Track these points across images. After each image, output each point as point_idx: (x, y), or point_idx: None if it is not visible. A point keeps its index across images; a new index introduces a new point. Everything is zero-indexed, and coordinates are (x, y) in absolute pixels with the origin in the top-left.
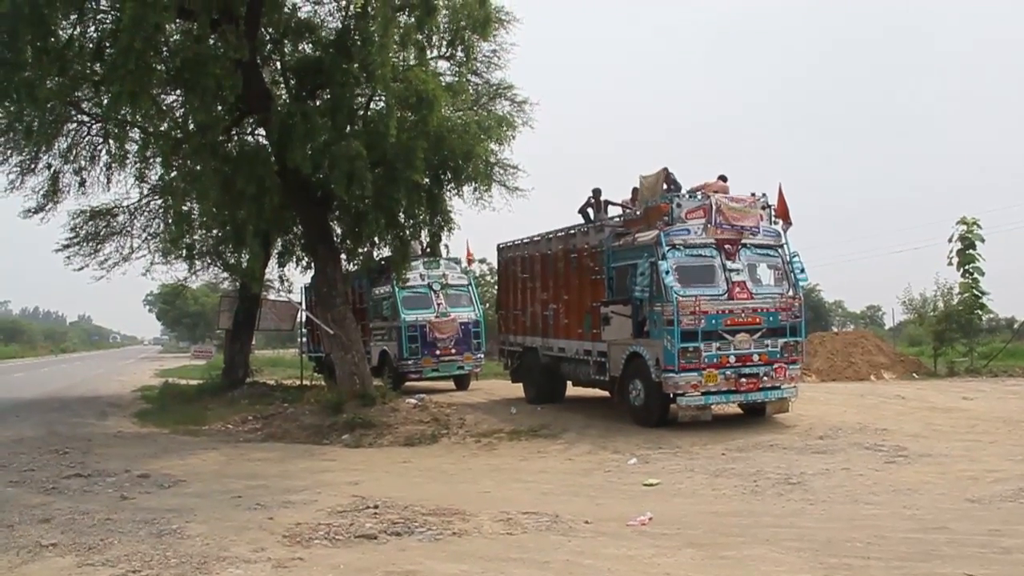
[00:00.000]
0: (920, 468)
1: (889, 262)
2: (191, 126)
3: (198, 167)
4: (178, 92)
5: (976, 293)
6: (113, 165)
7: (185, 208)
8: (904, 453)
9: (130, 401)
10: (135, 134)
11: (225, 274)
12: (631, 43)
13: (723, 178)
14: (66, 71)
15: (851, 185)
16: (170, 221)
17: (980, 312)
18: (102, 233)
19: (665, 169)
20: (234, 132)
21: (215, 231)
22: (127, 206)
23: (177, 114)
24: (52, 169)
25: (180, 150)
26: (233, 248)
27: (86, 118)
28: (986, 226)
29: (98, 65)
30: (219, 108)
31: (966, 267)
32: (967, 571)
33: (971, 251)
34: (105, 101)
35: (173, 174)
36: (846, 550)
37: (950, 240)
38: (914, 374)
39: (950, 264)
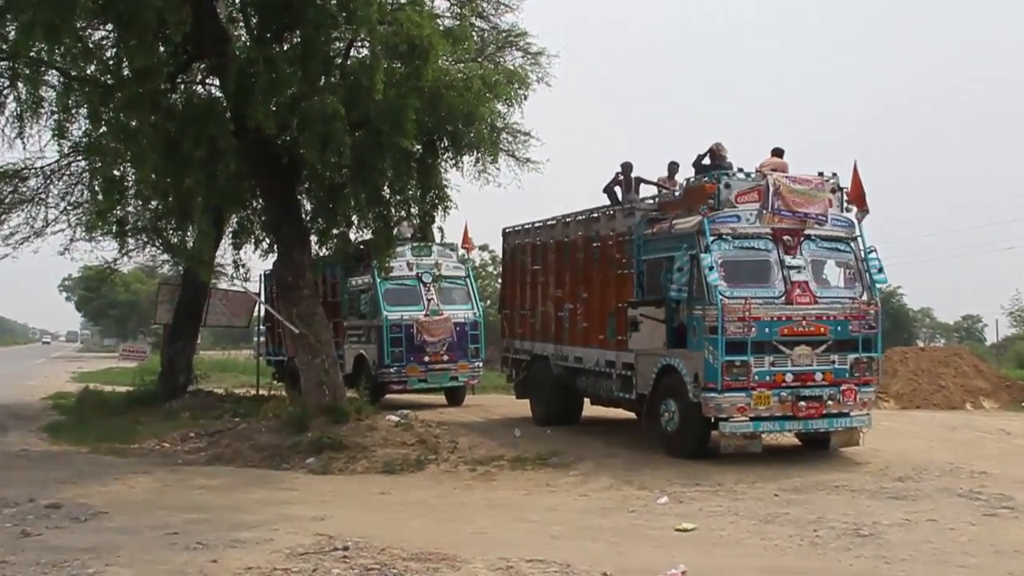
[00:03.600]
0: None
1: (993, 262)
2: (125, 71)
3: (134, 122)
4: (109, 28)
5: None
6: (24, 115)
7: (117, 173)
8: (1009, 504)
9: (39, 411)
10: (53, 77)
11: (165, 256)
12: None
13: (778, 152)
14: None
15: (946, 165)
16: (97, 188)
17: None
18: (8, 200)
19: (718, 144)
20: (180, 80)
21: (154, 202)
22: (41, 168)
23: (108, 55)
24: None
25: (111, 100)
26: (176, 224)
27: None
28: None
29: None
30: (161, 50)
31: None
32: None
33: None
34: (12, 34)
35: (102, 130)
36: None
37: None
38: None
39: None
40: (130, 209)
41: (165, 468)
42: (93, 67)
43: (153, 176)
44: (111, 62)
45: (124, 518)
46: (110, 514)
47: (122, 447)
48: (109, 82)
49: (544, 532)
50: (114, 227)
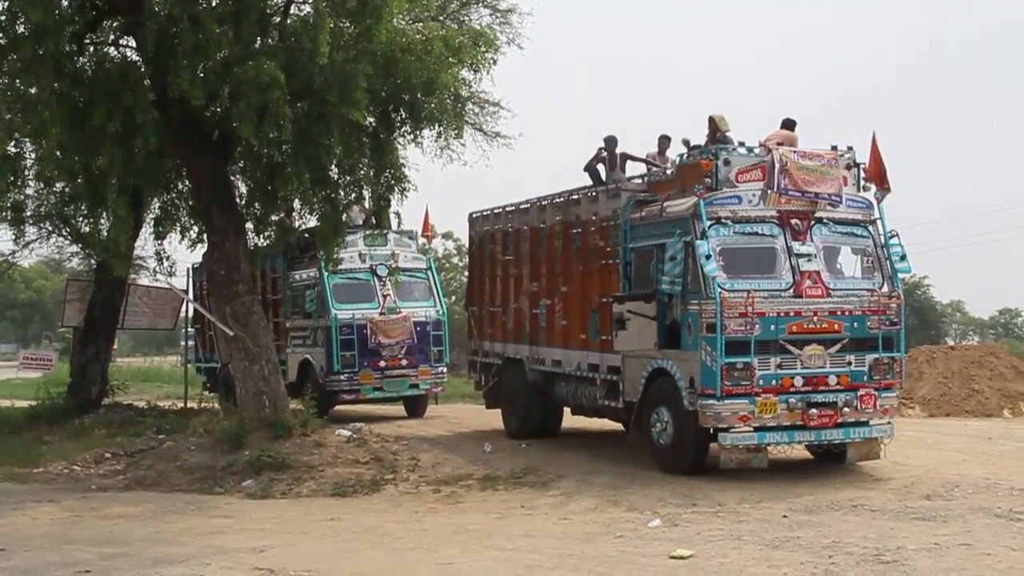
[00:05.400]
0: None
1: None
2: (21, 28)
3: (32, 90)
4: None
5: None
6: None
7: (12, 149)
8: None
9: None
10: None
11: (74, 248)
12: None
13: (788, 124)
14: None
15: (973, 140)
16: None
17: None
18: None
19: (717, 115)
20: (89, 41)
21: (59, 184)
22: None
23: None
24: None
25: (4, 63)
26: (87, 210)
27: None
28: None
29: None
30: (64, 4)
31: None
32: None
33: None
34: None
35: None
36: None
37: None
38: None
39: None
40: (29, 192)
41: (75, 495)
42: None
43: (57, 153)
44: (2, 18)
45: (26, 555)
46: (8, 551)
47: (23, 471)
48: (1, 42)
49: (519, 562)
50: (9, 213)
